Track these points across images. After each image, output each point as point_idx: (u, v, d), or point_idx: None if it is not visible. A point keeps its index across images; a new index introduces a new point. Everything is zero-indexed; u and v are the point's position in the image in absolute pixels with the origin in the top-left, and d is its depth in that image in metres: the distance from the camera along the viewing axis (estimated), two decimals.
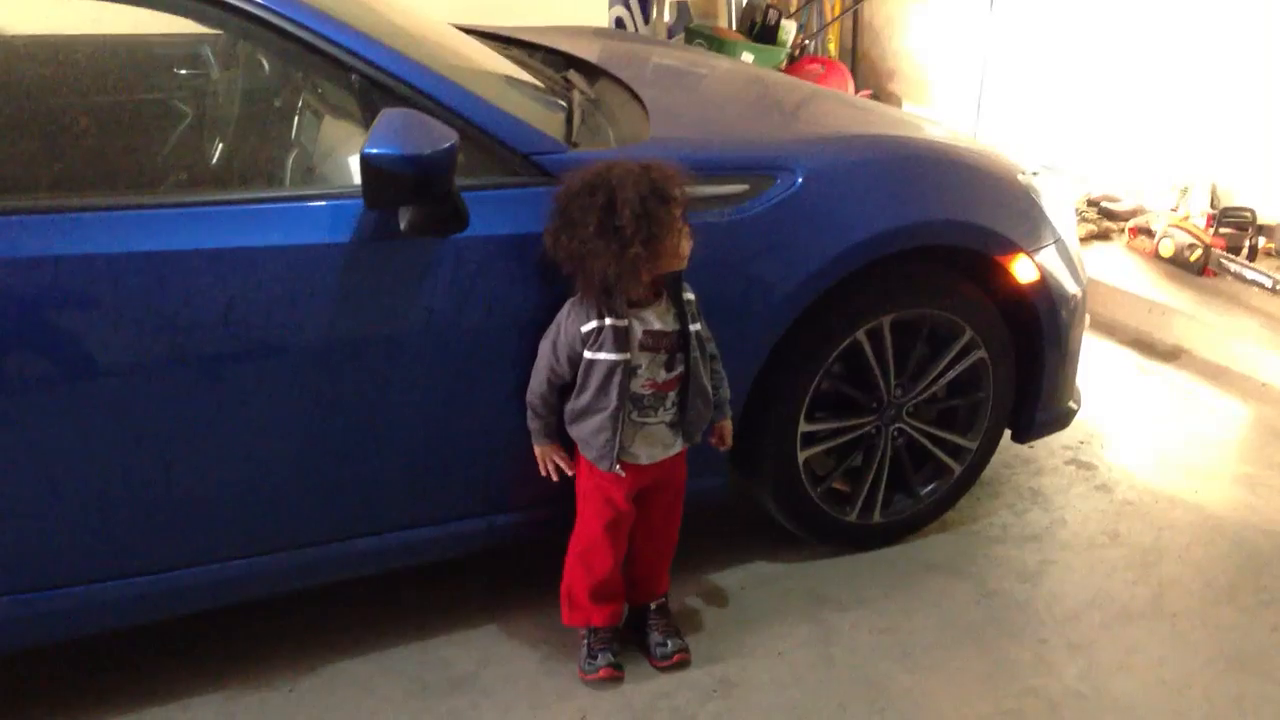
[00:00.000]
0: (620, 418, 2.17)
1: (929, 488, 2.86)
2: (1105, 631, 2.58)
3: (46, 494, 1.99)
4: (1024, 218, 2.74)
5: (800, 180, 2.40)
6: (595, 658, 2.36)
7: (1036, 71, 6.04)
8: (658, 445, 2.26)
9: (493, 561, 2.70)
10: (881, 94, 6.89)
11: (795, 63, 6.45)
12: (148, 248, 1.93)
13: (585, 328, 2.13)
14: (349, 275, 2.07)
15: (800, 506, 2.70)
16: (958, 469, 2.85)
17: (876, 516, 2.81)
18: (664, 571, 2.49)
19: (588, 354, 2.13)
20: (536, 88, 2.66)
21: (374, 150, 1.90)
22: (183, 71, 2.82)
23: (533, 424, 2.27)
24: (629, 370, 2.14)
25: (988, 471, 3.01)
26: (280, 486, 2.17)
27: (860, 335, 2.54)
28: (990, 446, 2.89)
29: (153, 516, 2.09)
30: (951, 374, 2.72)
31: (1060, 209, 2.89)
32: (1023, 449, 3.34)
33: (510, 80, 2.60)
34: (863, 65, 7.16)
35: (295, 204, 2.11)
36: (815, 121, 3.00)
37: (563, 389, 2.22)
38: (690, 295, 2.22)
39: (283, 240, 2.03)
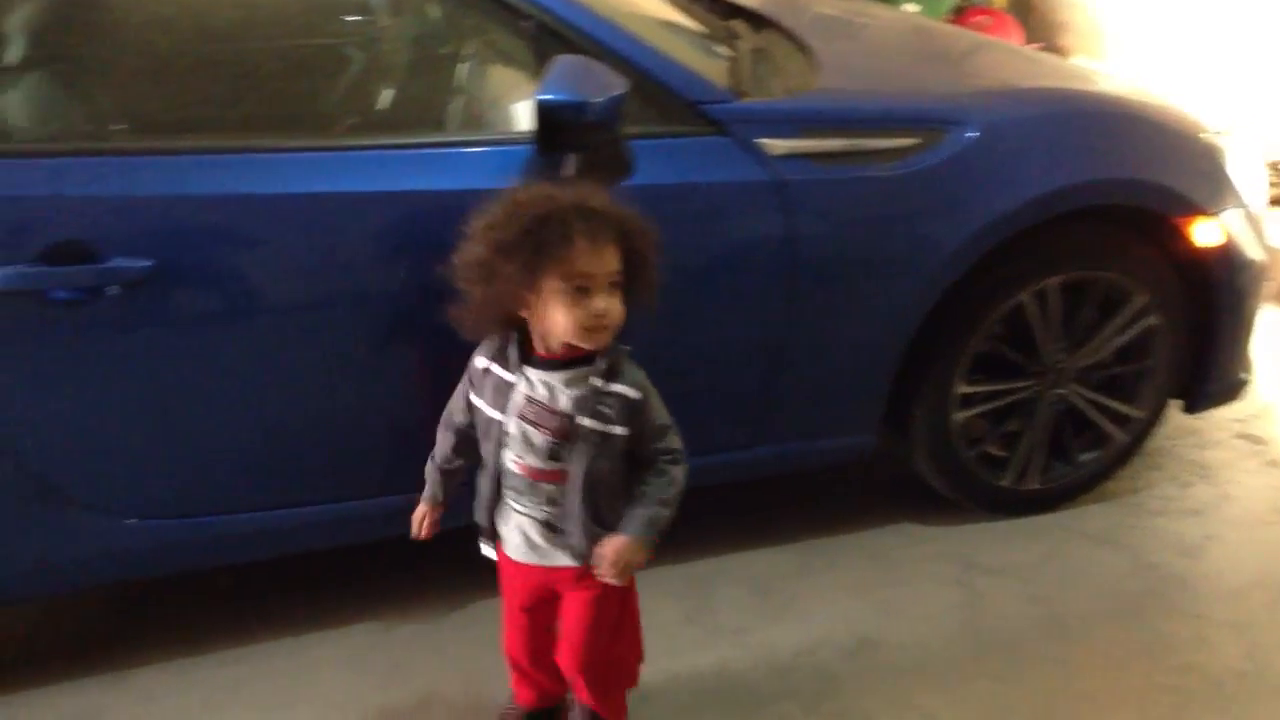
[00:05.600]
0: (494, 484, 1.77)
1: (1089, 456, 2.77)
2: (1270, 612, 2.48)
3: (222, 423, 2.09)
4: (1206, 178, 2.61)
5: (973, 134, 2.33)
6: None
7: (1221, 24, 5.73)
8: (526, 543, 1.79)
9: None
10: (1052, 47, 6.63)
11: (962, 14, 6.27)
12: (327, 189, 2.00)
13: (479, 362, 1.76)
14: None
15: (953, 469, 2.65)
16: (1121, 438, 2.76)
17: (1031, 483, 2.74)
18: (581, 686, 1.94)
19: (472, 397, 1.77)
20: (703, 35, 2.64)
21: (548, 96, 1.91)
22: (354, 18, 2.88)
23: (428, 461, 1.90)
24: (502, 433, 1.72)
25: (1150, 442, 2.90)
26: None
27: (1026, 296, 2.47)
28: (1157, 416, 2.78)
29: (321, 449, 2.17)
30: (1121, 340, 2.63)
31: (1246, 170, 2.74)
32: (1188, 420, 3.20)
33: (677, 28, 2.59)
34: (1033, 17, 6.89)
35: (465, 149, 2.15)
36: (986, 74, 2.91)
37: (466, 433, 1.82)
38: (625, 389, 1.68)
39: (452, 184, 2.06)
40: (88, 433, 2.02)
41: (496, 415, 1.71)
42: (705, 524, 2.66)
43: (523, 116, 2.14)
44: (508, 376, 1.70)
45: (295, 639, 2.40)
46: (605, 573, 1.69)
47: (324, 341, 2.06)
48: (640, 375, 1.71)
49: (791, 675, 2.27)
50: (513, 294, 1.61)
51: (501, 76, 2.42)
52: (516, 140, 2.09)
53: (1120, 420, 2.74)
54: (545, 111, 1.93)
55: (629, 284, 1.64)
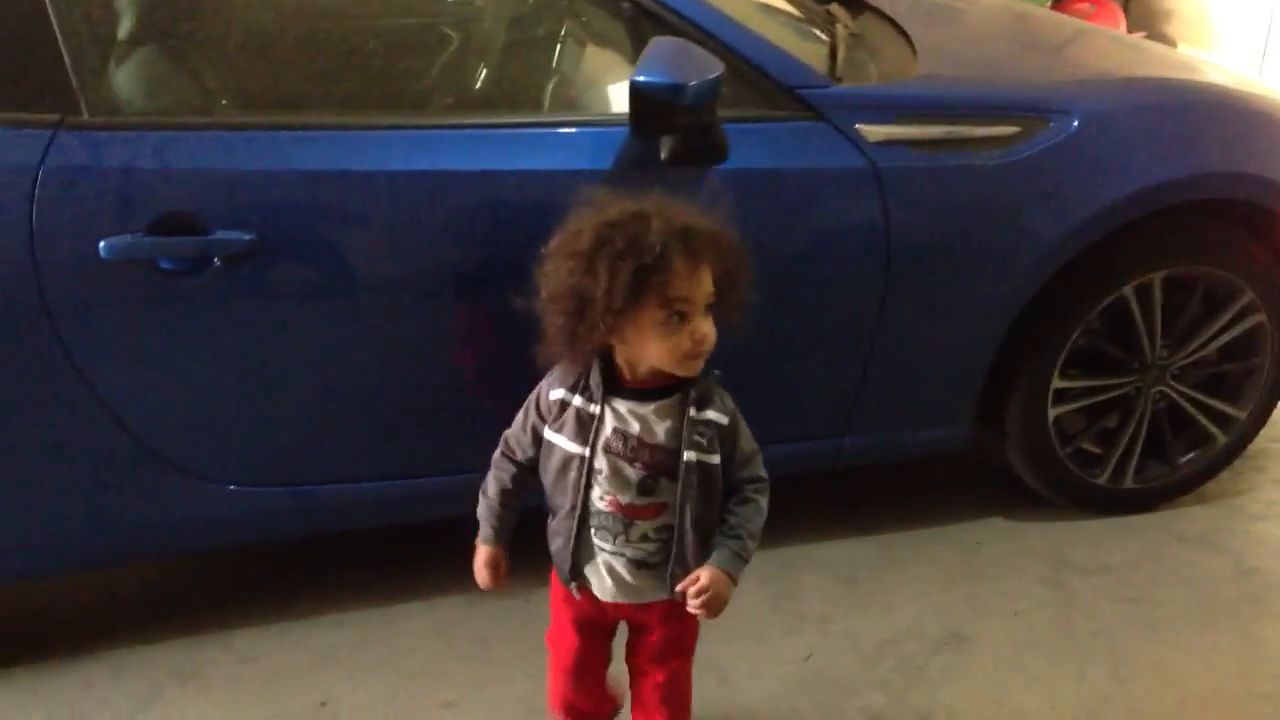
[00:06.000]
0: (578, 523, 1.62)
1: (1188, 456, 2.70)
2: None
3: (320, 395, 2.13)
4: None
5: (1076, 124, 2.27)
6: None
7: None
8: (615, 583, 1.65)
9: None
10: (1156, 35, 6.46)
11: (1063, 0, 6.14)
12: (423, 167, 2.02)
13: (554, 394, 1.62)
14: None
15: (1046, 465, 2.60)
16: (1223, 439, 2.68)
17: (1128, 482, 2.67)
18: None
19: (548, 432, 1.63)
20: (800, 20, 2.62)
21: (643, 78, 1.91)
22: None
23: (480, 501, 1.75)
24: (588, 470, 1.59)
25: (1254, 444, 2.81)
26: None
27: (1128, 290, 2.41)
28: (1261, 417, 2.70)
29: (417, 422, 2.20)
30: (1225, 337, 2.56)
31: None
32: None
33: (774, 11, 2.57)
34: (1136, 4, 6.72)
35: (561, 129, 2.16)
36: (1089, 62, 2.84)
37: (530, 468, 1.70)
38: (717, 416, 1.58)
39: (548, 165, 2.07)
40: (191, 401, 2.08)
41: (580, 450, 1.58)
42: (793, 510, 2.65)
43: (618, 98, 2.14)
44: (592, 408, 1.57)
45: (389, 608, 2.44)
46: (698, 608, 1.58)
47: (420, 316, 2.09)
48: (729, 400, 1.61)
49: (878, 666, 2.25)
50: (607, 322, 1.48)
51: (598, 58, 2.43)
52: (612, 122, 2.09)
53: (1222, 420, 2.66)
54: (641, 93, 1.92)
55: (717, 304, 1.54)
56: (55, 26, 1.91)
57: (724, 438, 1.59)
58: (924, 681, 2.21)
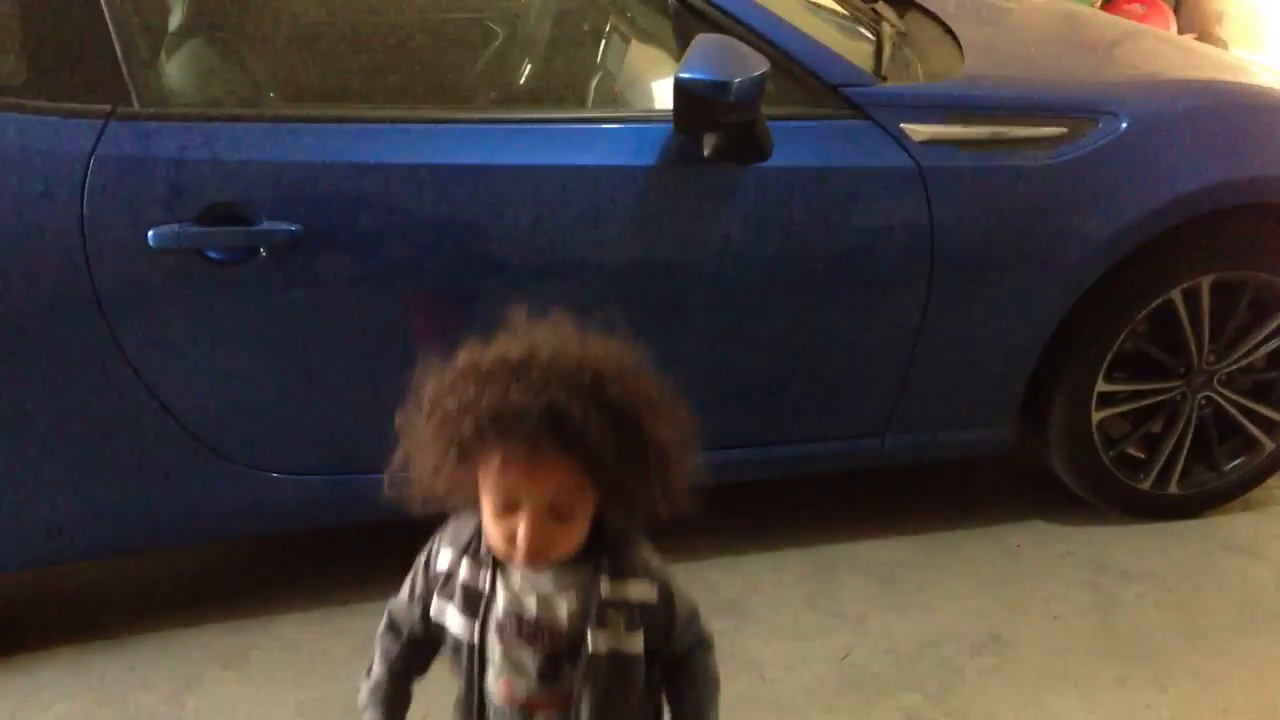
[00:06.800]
0: (476, 716, 1.29)
1: (1234, 463, 2.65)
2: None
3: (362, 386, 2.13)
4: None
5: (1124, 125, 2.25)
6: None
7: None
8: None
9: (760, 492, 2.71)
10: (1206, 37, 6.38)
11: (1113, 1, 6.08)
12: (467, 161, 2.03)
13: (442, 562, 1.30)
14: (651, 198, 2.10)
15: (1089, 469, 2.58)
16: (1270, 446, 2.63)
17: (1172, 487, 2.64)
18: None
19: (435, 601, 1.29)
20: (846, 18, 2.62)
21: (688, 75, 1.91)
22: None
23: (361, 687, 1.38)
24: (479, 655, 1.25)
25: None
26: None
27: (1175, 294, 2.38)
28: None
29: None
30: (1274, 343, 2.52)
31: None
32: None
33: (820, 9, 2.57)
34: (1186, 5, 6.64)
35: (604, 125, 2.17)
36: (1138, 63, 2.82)
37: (423, 640, 1.35)
38: (643, 593, 1.24)
39: (591, 160, 2.08)
40: (236, 389, 2.10)
41: (470, 631, 1.24)
42: (832, 509, 2.64)
43: (662, 95, 2.15)
44: (482, 579, 1.24)
45: None
46: None
47: (462, 309, 2.10)
48: (655, 561, 1.27)
49: (915, 667, 2.24)
50: (429, 481, 1.20)
51: (642, 54, 2.44)
52: (655, 118, 2.09)
53: (1269, 427, 2.62)
54: (685, 90, 1.93)
55: (604, 503, 1.18)
56: (107, 17, 1.94)
57: (653, 615, 1.26)
58: (961, 684, 2.20)
